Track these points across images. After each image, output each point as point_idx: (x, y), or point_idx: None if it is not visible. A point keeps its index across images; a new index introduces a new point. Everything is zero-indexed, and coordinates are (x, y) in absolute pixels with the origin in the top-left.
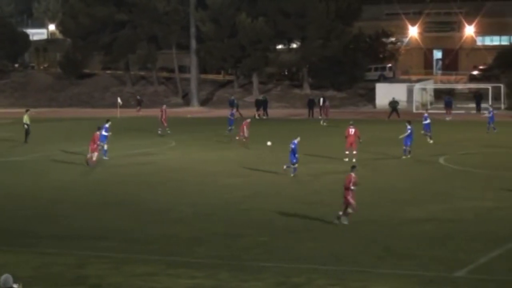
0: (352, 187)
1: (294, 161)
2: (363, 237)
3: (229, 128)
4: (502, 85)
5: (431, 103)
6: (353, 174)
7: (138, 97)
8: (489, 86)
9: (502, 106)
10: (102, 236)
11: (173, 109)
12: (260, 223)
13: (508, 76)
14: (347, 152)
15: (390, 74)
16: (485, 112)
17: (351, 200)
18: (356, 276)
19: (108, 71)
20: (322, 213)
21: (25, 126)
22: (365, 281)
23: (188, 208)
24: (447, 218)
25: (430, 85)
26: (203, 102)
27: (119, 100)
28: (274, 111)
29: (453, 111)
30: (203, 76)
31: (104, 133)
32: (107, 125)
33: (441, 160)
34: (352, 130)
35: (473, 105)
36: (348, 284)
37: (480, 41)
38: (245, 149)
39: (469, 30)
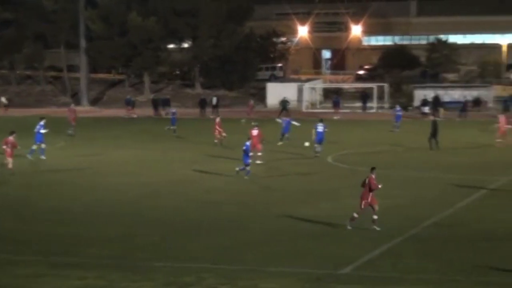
0: (379, 186)
1: (248, 161)
2: (254, 237)
3: (171, 127)
4: (386, 85)
5: (320, 103)
6: (373, 176)
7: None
8: (374, 85)
9: (386, 105)
10: None
11: (61, 108)
12: (153, 222)
13: (392, 75)
14: (251, 154)
15: (281, 74)
16: (393, 111)
17: (363, 203)
18: (245, 274)
19: None
20: (215, 212)
21: None
22: (254, 280)
23: (79, 209)
24: (335, 216)
25: (319, 85)
26: (93, 102)
27: (3, 99)
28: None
29: (341, 110)
30: (93, 75)
31: (40, 131)
32: (42, 123)
33: (329, 159)
34: (255, 132)
35: (360, 104)
36: (237, 283)
37: (366, 41)
38: (142, 149)
39: (356, 30)
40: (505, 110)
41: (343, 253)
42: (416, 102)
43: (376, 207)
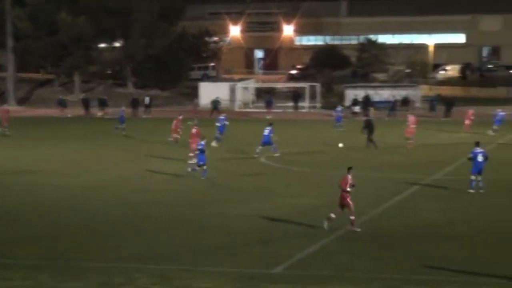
0: (349, 189)
1: (201, 163)
2: (188, 236)
3: (119, 126)
4: (318, 84)
5: (253, 102)
6: (349, 176)
7: None
8: (306, 85)
9: (318, 105)
10: None
11: None
12: (83, 223)
13: (323, 75)
14: (191, 154)
15: (213, 73)
16: (334, 111)
17: (350, 202)
18: (179, 274)
19: None
20: (146, 212)
21: None
22: (188, 279)
23: (7, 208)
24: (267, 215)
25: (252, 84)
26: (21, 101)
27: None
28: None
29: (273, 110)
30: (21, 74)
31: None
32: None
33: (262, 159)
34: (193, 131)
35: (292, 103)
36: (170, 282)
37: (298, 41)
38: (77, 149)
39: (288, 30)
40: (432, 109)
41: (276, 252)
42: (347, 102)
43: (340, 211)
